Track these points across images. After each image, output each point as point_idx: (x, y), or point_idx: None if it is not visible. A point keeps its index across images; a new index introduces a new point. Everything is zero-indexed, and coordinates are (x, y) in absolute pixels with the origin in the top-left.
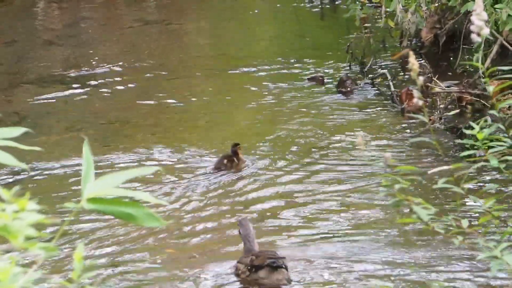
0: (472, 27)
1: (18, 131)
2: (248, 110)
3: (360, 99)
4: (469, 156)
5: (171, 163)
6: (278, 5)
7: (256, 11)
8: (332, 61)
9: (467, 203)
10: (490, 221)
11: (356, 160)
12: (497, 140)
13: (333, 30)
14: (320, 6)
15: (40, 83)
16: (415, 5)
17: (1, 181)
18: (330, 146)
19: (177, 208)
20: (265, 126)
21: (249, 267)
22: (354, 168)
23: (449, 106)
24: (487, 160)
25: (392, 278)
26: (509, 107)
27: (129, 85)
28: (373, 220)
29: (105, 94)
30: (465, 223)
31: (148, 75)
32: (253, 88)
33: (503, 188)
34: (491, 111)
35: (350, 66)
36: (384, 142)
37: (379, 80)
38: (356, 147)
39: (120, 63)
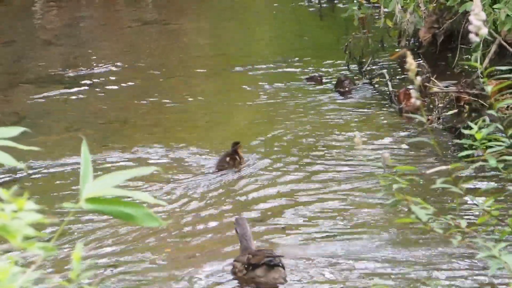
0: (470, 27)
1: (16, 130)
2: (247, 110)
3: (358, 99)
4: (468, 156)
5: (170, 163)
6: (277, 5)
7: (255, 11)
8: (330, 61)
9: (465, 203)
10: (488, 221)
11: (354, 160)
12: (496, 140)
13: (332, 30)
14: (318, 6)
15: (39, 83)
16: (413, 5)
17: None
18: (329, 146)
19: (177, 208)
20: (264, 126)
21: (246, 266)
22: (352, 168)
23: (447, 106)
24: (485, 160)
25: (393, 276)
26: (507, 107)
27: (128, 85)
28: (373, 219)
29: (104, 94)
30: (463, 223)
31: (147, 75)
32: (252, 88)
33: (501, 188)
34: (489, 111)
35: (348, 66)
36: (382, 142)
37: (377, 80)
38: (354, 146)
39: (119, 63)
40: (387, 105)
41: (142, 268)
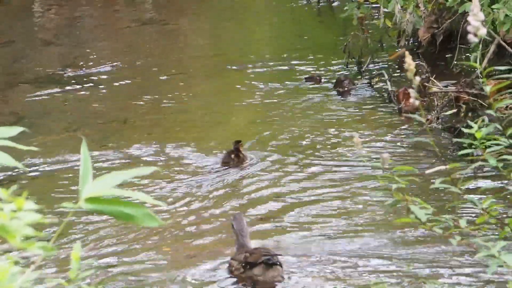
0: (469, 28)
1: (15, 130)
2: (247, 110)
3: (358, 99)
4: (467, 154)
5: (169, 163)
6: (276, 5)
7: (254, 11)
8: (329, 61)
9: (464, 203)
10: (487, 221)
11: (354, 160)
12: (494, 140)
13: (331, 30)
14: (317, 7)
15: (38, 83)
16: (413, 5)
17: None
18: (328, 145)
19: (176, 208)
20: (263, 126)
21: (243, 264)
22: (351, 168)
23: (447, 106)
24: (484, 160)
25: (394, 274)
26: (506, 107)
27: (127, 85)
28: (373, 218)
29: (103, 94)
30: (463, 223)
31: (146, 75)
32: (251, 88)
33: (500, 187)
34: (488, 111)
35: (347, 65)
36: (382, 142)
37: (377, 80)
38: (353, 147)
39: (118, 63)
40: (386, 105)
41: (141, 269)
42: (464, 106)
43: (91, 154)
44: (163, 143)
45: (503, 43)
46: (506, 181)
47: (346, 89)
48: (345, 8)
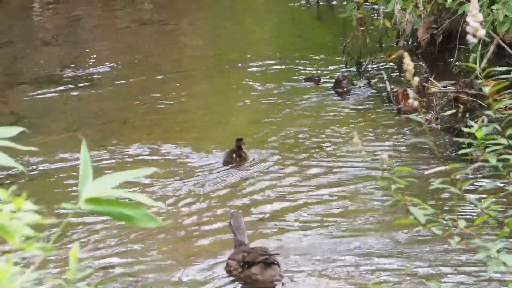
0: (468, 28)
1: (14, 130)
2: (246, 110)
3: (357, 99)
4: (466, 154)
5: (169, 163)
6: (276, 5)
7: (254, 11)
8: (328, 61)
9: (464, 204)
10: (487, 221)
11: (353, 161)
12: (494, 140)
13: (330, 30)
14: (317, 6)
15: (38, 83)
16: (412, 5)
17: None
18: (328, 146)
19: (176, 208)
20: (262, 126)
21: (241, 264)
22: (351, 168)
23: (446, 106)
24: (484, 160)
25: (397, 273)
26: (506, 107)
27: (127, 85)
28: (374, 218)
29: (103, 94)
30: (462, 223)
31: (146, 75)
32: (250, 88)
33: (500, 188)
34: (488, 112)
35: (346, 66)
36: (381, 142)
37: (376, 80)
38: (353, 147)
39: (118, 63)
40: (385, 105)
41: (140, 269)
42: (461, 106)
43: (90, 154)
44: (163, 143)
45: (502, 44)
46: (506, 181)
47: (345, 89)
48: (345, 9)
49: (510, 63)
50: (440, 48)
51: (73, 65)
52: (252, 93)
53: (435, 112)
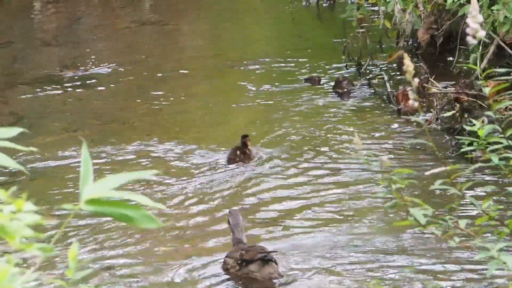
0: (468, 30)
1: (14, 131)
2: (246, 110)
3: (357, 99)
4: (466, 153)
5: (169, 163)
6: (276, 5)
7: (254, 11)
8: (328, 62)
9: (464, 204)
10: (487, 222)
11: (353, 162)
12: (495, 142)
13: (330, 30)
14: (317, 7)
15: (37, 84)
16: (412, 5)
17: None
18: (327, 146)
19: (176, 208)
20: (262, 127)
21: (239, 262)
22: (351, 168)
23: (446, 107)
24: (485, 161)
25: (401, 271)
26: (506, 108)
27: (126, 85)
28: (376, 217)
29: (103, 94)
30: (462, 224)
31: (146, 75)
32: (250, 89)
33: (500, 188)
34: (488, 112)
35: (346, 66)
36: (381, 142)
37: (376, 80)
38: (353, 147)
39: (117, 64)
40: (385, 106)
41: (140, 269)
42: (458, 105)
43: (90, 155)
44: (163, 144)
45: (503, 44)
46: (506, 181)
47: (345, 90)
48: (345, 9)
49: (510, 63)
50: (441, 48)
51: (73, 65)
52: (252, 93)
53: (435, 112)
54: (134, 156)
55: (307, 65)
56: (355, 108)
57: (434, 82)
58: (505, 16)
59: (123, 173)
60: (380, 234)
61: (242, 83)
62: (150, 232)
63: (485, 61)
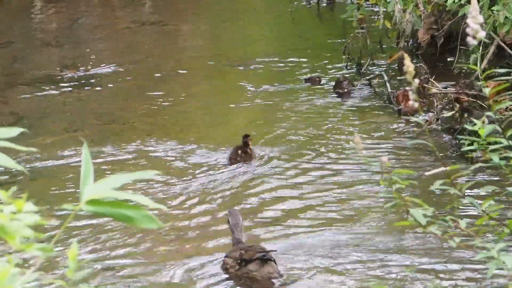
0: (468, 30)
1: (14, 131)
2: (246, 111)
3: (357, 100)
4: (466, 152)
5: (169, 163)
6: (276, 6)
7: (254, 11)
8: (329, 62)
9: (464, 205)
10: (487, 222)
11: (353, 161)
12: (496, 142)
13: (331, 30)
14: (317, 6)
15: (38, 84)
16: (412, 5)
17: None
18: (327, 147)
19: (176, 208)
20: (262, 127)
21: (238, 261)
22: (351, 168)
23: (446, 107)
24: (485, 161)
25: (402, 270)
26: (506, 108)
27: (126, 85)
28: (376, 217)
29: (103, 94)
30: (463, 224)
31: (146, 75)
32: (250, 89)
33: (500, 189)
34: (488, 113)
35: (346, 67)
36: (381, 143)
37: (376, 81)
38: (353, 147)
39: (117, 64)
40: (385, 106)
41: (139, 269)
42: (458, 106)
43: (90, 155)
44: (163, 144)
45: (503, 44)
46: (506, 181)
47: (345, 90)
48: (345, 9)
49: (510, 64)
50: (441, 48)
51: (73, 66)
52: (252, 94)
53: (435, 113)
54: (134, 156)
55: (307, 65)
56: (355, 108)
57: (434, 82)
58: (505, 17)
59: (123, 173)
60: (380, 234)
61: (242, 83)
62: (150, 232)
63: (485, 61)
